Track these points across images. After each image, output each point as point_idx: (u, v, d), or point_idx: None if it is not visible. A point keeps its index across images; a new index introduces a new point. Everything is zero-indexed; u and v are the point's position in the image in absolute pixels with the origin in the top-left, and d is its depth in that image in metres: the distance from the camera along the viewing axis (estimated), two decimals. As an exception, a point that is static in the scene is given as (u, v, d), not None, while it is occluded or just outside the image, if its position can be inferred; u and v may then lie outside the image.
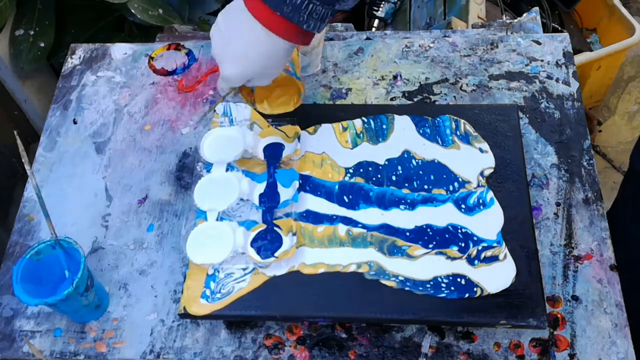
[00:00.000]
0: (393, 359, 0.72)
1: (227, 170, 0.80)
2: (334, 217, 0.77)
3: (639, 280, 0.80)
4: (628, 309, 0.72)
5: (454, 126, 0.83)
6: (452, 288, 0.71)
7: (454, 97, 0.91)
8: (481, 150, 0.81)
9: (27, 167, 0.69)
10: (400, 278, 0.72)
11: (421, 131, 0.83)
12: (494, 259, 0.72)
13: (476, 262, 0.72)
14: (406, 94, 0.92)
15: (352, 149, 0.83)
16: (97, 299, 0.75)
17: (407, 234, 0.75)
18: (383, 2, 1.52)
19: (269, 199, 0.78)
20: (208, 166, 0.81)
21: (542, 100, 0.90)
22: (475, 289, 0.70)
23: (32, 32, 1.26)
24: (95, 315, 0.76)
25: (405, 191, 0.78)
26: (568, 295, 0.74)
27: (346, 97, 0.92)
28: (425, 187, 0.78)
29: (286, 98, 0.85)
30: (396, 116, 0.84)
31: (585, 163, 0.84)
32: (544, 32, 1.00)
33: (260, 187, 0.79)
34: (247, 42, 0.66)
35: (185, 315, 0.72)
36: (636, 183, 0.94)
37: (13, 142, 0.71)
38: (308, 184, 0.80)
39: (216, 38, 0.70)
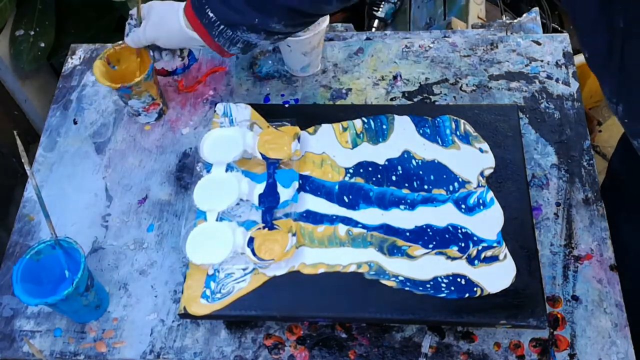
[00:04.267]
0: (393, 359, 0.72)
1: (226, 170, 0.80)
2: (334, 217, 0.77)
3: (637, 281, 0.80)
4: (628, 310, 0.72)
5: (454, 126, 0.83)
6: (452, 288, 0.70)
7: (454, 97, 0.91)
8: (481, 150, 0.81)
9: (27, 167, 0.69)
10: (400, 278, 0.72)
11: (421, 131, 0.83)
12: (494, 259, 0.72)
13: (476, 262, 0.72)
14: (406, 94, 0.92)
15: (352, 149, 0.82)
16: (97, 299, 0.75)
17: (407, 234, 0.75)
18: (383, 2, 1.52)
19: (269, 200, 0.78)
20: (208, 166, 0.81)
21: (542, 101, 0.90)
22: (475, 289, 0.70)
23: (32, 32, 1.26)
24: (95, 315, 0.76)
25: (405, 191, 0.78)
26: (568, 295, 0.74)
27: (346, 97, 0.92)
28: (425, 187, 0.78)
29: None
30: (396, 116, 0.84)
31: (585, 163, 0.84)
32: (543, 32, 1.00)
33: (260, 187, 0.79)
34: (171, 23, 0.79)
35: (185, 315, 0.72)
36: (618, 185, 0.92)
37: (13, 142, 0.71)
38: (308, 184, 0.80)
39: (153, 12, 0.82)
